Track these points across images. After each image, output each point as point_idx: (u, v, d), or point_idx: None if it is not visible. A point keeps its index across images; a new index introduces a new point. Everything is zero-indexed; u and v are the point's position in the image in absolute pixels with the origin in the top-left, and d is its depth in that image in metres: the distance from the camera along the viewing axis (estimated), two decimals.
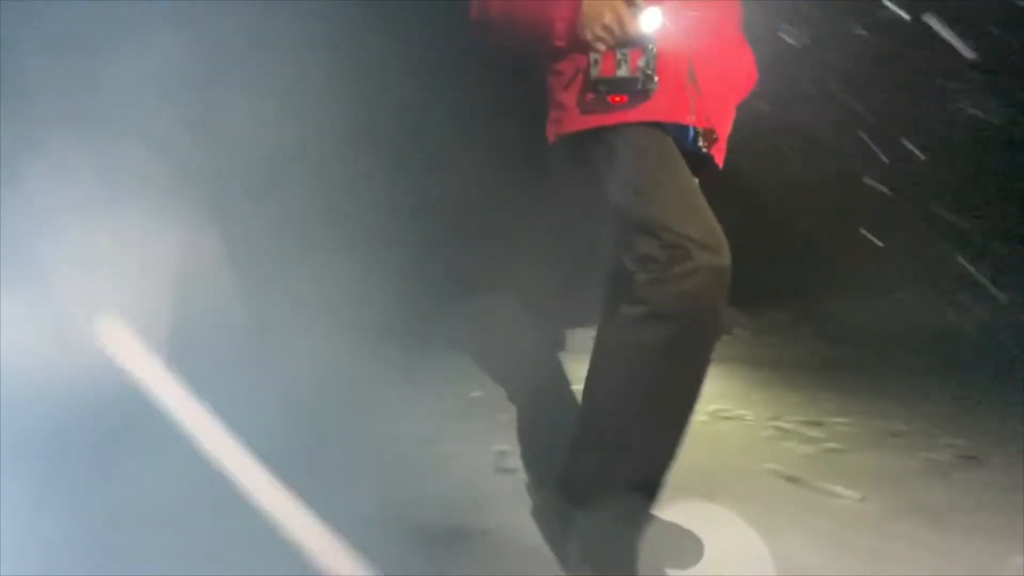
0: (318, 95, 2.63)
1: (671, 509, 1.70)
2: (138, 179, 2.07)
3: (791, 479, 1.90)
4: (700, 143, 1.34)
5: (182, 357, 1.93)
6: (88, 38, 1.98)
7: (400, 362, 3.27)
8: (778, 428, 2.41)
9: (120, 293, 1.95)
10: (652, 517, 1.41)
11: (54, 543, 1.30)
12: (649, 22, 1.21)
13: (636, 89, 1.23)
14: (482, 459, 2.07)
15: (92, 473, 1.55)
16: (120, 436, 1.66)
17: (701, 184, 1.39)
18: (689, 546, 1.43)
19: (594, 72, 1.24)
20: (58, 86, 1.99)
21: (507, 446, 2.16)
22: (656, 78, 1.23)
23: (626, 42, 1.22)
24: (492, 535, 1.51)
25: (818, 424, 2.42)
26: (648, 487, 1.33)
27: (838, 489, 1.79)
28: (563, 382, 3.03)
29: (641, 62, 1.22)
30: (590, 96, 1.27)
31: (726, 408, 2.72)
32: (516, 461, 2.03)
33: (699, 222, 1.21)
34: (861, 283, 3.50)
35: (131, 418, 1.66)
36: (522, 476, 1.94)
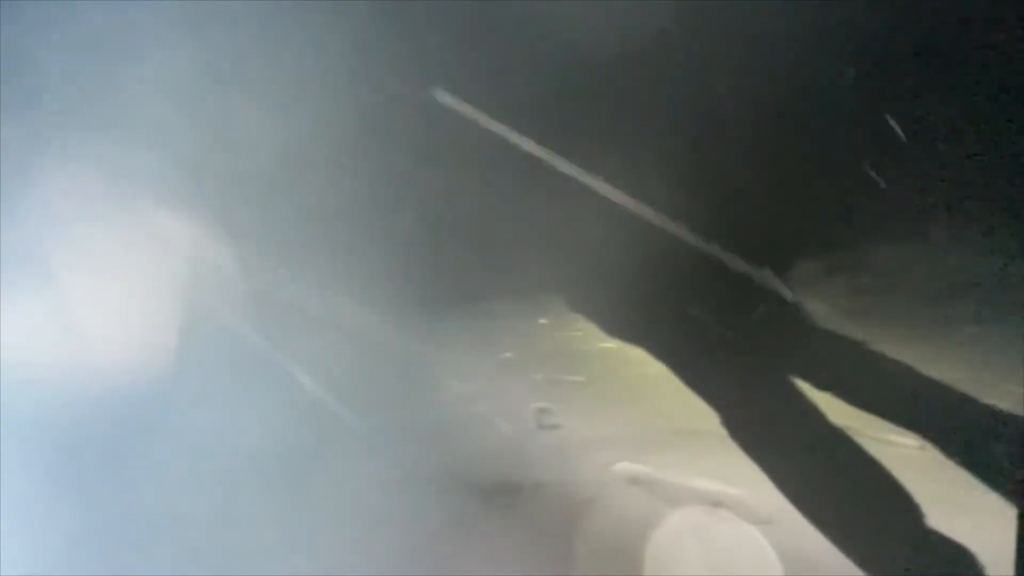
0: (325, 101, 2.60)
1: (723, 459, 1.68)
2: (147, 183, 2.05)
3: (841, 427, 1.86)
4: None
5: (204, 341, 1.92)
6: (97, 40, 1.95)
7: (426, 327, 3.26)
8: None
9: (128, 296, 1.93)
10: None
11: (54, 543, 1.29)
12: None
13: None
14: (524, 417, 2.05)
15: (95, 475, 1.54)
16: (124, 438, 1.65)
17: None
18: None
19: None
20: (66, 89, 1.96)
21: (547, 403, 2.15)
22: None
23: None
24: (546, 488, 1.49)
25: None
26: None
27: (894, 437, 1.74)
28: (599, 343, 3.00)
29: None
30: None
31: None
32: (558, 418, 2.02)
33: None
34: (898, 231, 3.38)
35: (136, 420, 1.65)
36: (565, 432, 1.92)
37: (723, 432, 1.89)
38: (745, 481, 1.52)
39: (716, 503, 1.47)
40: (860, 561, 1.31)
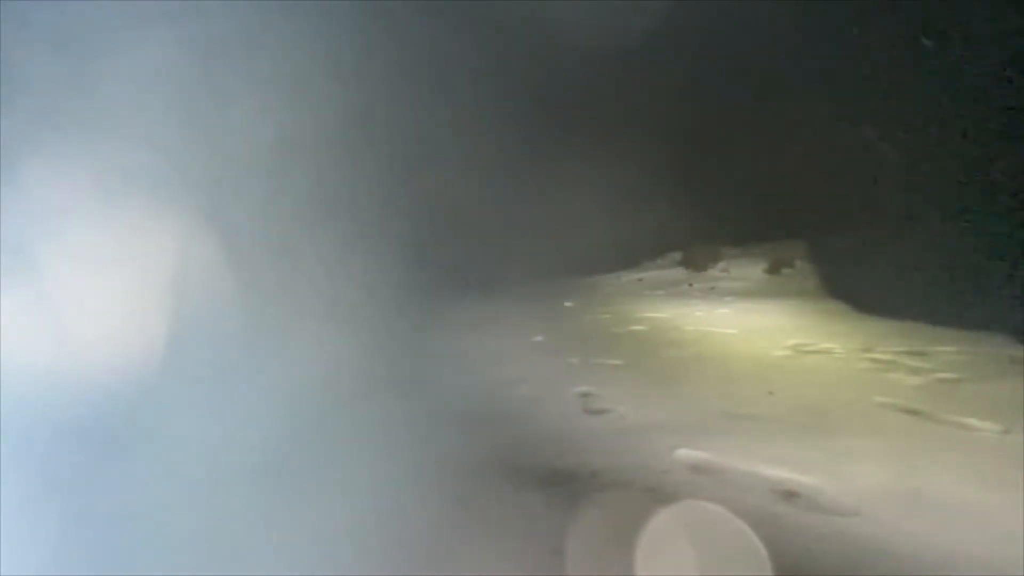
0: (314, 94, 2.52)
1: (789, 445, 1.56)
2: (136, 179, 1.99)
3: (911, 412, 1.74)
4: None
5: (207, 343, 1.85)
6: (86, 38, 1.88)
7: (449, 313, 3.17)
8: (874, 360, 2.24)
9: (118, 293, 1.86)
10: None
11: (54, 543, 1.22)
12: None
13: None
14: (567, 401, 1.95)
15: (91, 472, 1.46)
16: (119, 436, 1.57)
17: None
18: None
19: None
20: (52, 86, 1.90)
21: (589, 387, 2.04)
22: None
23: None
24: (603, 476, 1.38)
25: (921, 354, 2.23)
26: None
27: (972, 421, 1.62)
28: (630, 324, 2.88)
29: None
30: None
31: (807, 342, 2.54)
32: (603, 402, 1.91)
33: None
34: (933, 205, 3.17)
35: (130, 417, 1.57)
36: (614, 417, 1.81)
37: (781, 416, 1.78)
38: (819, 469, 1.41)
39: (789, 492, 1.35)
40: None
